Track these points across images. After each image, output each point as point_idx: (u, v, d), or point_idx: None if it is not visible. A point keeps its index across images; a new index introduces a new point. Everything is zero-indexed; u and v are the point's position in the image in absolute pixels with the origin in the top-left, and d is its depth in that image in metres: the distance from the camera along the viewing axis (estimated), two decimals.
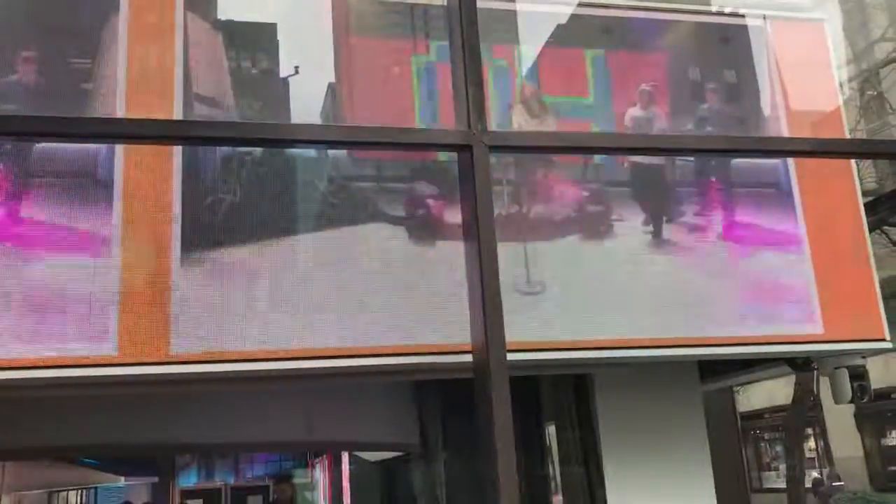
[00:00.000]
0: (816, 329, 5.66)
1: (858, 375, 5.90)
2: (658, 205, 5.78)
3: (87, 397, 5.39)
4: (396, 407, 8.15)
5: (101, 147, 4.77)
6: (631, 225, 5.64)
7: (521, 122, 5.91)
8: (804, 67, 6.40)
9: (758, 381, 13.56)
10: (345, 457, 14.23)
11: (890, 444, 21.43)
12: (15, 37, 5.09)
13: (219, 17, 5.54)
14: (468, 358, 3.42)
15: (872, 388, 6.01)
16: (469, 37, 3.80)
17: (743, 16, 6.55)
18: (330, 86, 5.68)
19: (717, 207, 5.86)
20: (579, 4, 6.26)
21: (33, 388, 4.60)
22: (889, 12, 17.91)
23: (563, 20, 6.28)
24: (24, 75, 5.02)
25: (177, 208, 4.81)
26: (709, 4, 6.80)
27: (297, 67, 5.56)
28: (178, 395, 5.99)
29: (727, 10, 6.66)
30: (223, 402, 6.57)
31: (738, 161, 6.00)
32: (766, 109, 6.32)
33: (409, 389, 8.09)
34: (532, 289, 5.33)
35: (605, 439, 6.30)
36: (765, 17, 6.48)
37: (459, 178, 3.77)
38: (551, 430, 7.16)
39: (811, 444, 23.17)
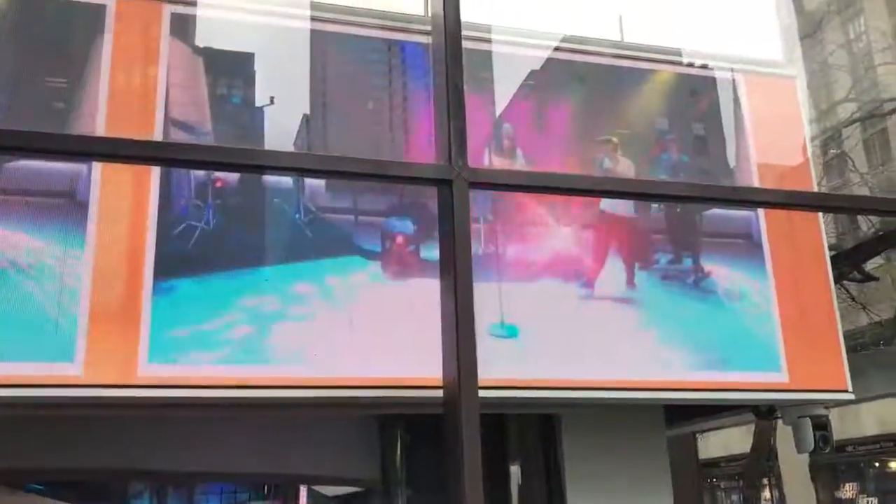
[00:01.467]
0: (781, 378, 5.73)
1: (821, 425, 5.97)
2: (631, 252, 5.86)
3: (35, 417, 5.25)
4: (358, 441, 8.06)
5: (79, 168, 4.73)
6: (604, 270, 5.70)
7: (494, 161, 5.98)
8: (776, 122, 6.56)
9: (721, 427, 13.65)
10: (303, 490, 13.99)
11: (843, 496, 21.58)
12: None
13: (197, 43, 5.56)
14: (435, 393, 3.40)
15: None
16: (453, 75, 3.85)
17: (712, 68, 6.71)
18: (305, 117, 5.71)
19: (688, 256, 5.96)
20: (555, 49, 6.37)
21: None
22: (852, 73, 18.47)
23: (537, 66, 6.39)
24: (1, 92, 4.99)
25: (151, 233, 4.77)
26: (679, 56, 6.95)
27: (272, 98, 5.58)
28: (134, 420, 5.87)
29: (698, 63, 6.82)
30: (181, 429, 6.43)
31: (712, 212, 6.11)
32: (737, 161, 6.45)
33: (372, 424, 8.01)
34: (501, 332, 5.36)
35: (571, 481, 6.28)
36: (732, 71, 6.64)
37: (439, 213, 3.78)
38: (516, 470, 7.12)
39: (766, 493, 23.24)
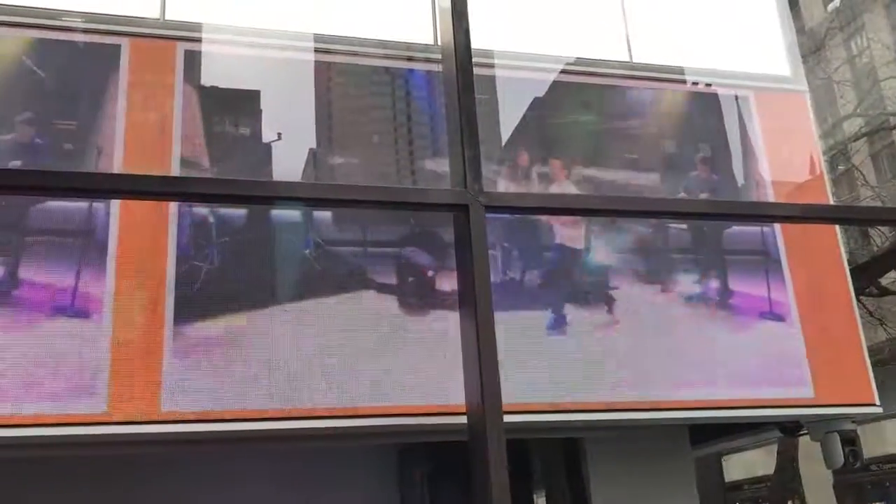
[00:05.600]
0: (807, 393, 5.67)
1: (849, 440, 5.89)
2: (655, 272, 5.85)
3: (55, 458, 5.24)
4: (376, 472, 8.00)
5: (97, 208, 4.77)
6: (627, 292, 5.69)
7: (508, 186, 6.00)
8: (788, 137, 6.56)
9: (744, 449, 13.47)
10: None
11: None
12: (15, 98, 5.12)
13: (205, 82, 5.62)
14: (458, 419, 3.37)
15: None
16: (466, 101, 3.87)
17: (718, 87, 6.72)
18: (311, 151, 5.75)
19: (710, 274, 5.93)
20: (562, 72, 6.40)
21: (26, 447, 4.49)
22: (857, 88, 18.50)
23: (543, 89, 6.43)
24: (21, 136, 5.04)
25: (170, 273, 4.80)
26: (683, 74, 6.97)
27: (279, 134, 5.63)
28: (154, 459, 5.84)
29: (705, 82, 6.84)
30: (194, 464, 6.40)
31: (732, 230, 6.10)
32: (749, 178, 6.44)
33: (390, 454, 7.95)
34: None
35: None
36: (740, 88, 6.65)
37: (455, 239, 3.77)
38: (541, 495, 7.04)
39: None
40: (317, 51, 5.93)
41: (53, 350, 4.47)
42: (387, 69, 6.11)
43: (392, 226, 5.59)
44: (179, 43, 5.42)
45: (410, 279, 5.43)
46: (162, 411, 4.48)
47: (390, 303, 5.26)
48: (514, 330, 5.37)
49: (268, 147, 5.59)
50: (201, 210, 5.05)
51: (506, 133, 6.29)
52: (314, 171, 5.66)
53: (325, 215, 5.42)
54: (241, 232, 5.21)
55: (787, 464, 13.17)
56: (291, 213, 5.31)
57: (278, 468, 6.83)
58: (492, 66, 6.30)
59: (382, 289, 5.29)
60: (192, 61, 5.53)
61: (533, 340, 5.41)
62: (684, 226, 6.00)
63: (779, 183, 6.40)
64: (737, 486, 24.20)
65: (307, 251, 5.30)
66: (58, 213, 4.81)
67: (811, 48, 15.76)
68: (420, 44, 6.18)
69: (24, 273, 4.63)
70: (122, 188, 3.93)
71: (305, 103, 5.77)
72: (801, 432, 6.42)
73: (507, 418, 3.32)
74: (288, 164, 5.58)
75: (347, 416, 4.83)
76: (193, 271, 4.93)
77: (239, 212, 5.20)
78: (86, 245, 4.77)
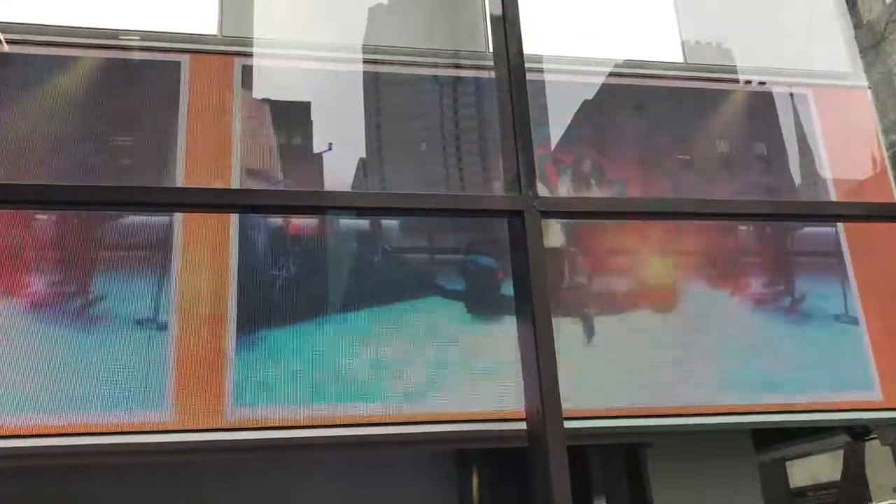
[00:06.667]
0: (875, 396, 5.53)
1: None
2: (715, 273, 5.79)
3: (120, 466, 5.36)
4: (435, 482, 8.00)
5: (164, 220, 4.90)
6: (694, 294, 5.64)
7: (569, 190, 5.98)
8: (851, 134, 6.41)
9: (809, 454, 13.12)
10: None
11: None
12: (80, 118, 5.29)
13: (257, 95, 5.73)
14: (519, 425, 3.36)
15: None
16: (519, 106, 3.88)
17: (776, 85, 6.61)
18: (361, 160, 5.82)
19: (774, 275, 5.84)
20: (611, 74, 6.36)
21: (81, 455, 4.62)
22: None
23: (590, 96, 6.40)
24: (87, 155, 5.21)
25: (233, 282, 4.89)
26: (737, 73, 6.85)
27: (330, 144, 5.71)
28: (217, 467, 5.94)
29: (763, 80, 6.72)
30: (256, 473, 6.50)
31: (796, 230, 6.00)
32: (810, 177, 6.32)
33: (449, 463, 7.96)
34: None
35: None
36: (800, 86, 6.52)
37: (511, 244, 3.78)
38: (602, 502, 6.96)
39: None
40: (365, 62, 6.00)
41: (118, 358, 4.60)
42: (436, 77, 6.16)
43: (459, 233, 5.63)
44: (237, 58, 5.54)
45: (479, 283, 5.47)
46: (226, 420, 4.57)
47: (457, 308, 5.29)
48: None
49: (319, 157, 5.68)
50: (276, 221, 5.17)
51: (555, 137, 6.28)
52: (364, 179, 5.72)
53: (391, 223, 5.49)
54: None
55: (855, 469, 12.78)
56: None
57: (332, 473, 6.89)
58: (541, 70, 6.29)
59: (449, 294, 5.33)
60: (248, 75, 5.65)
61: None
62: (751, 227, 5.93)
63: (840, 181, 6.26)
64: (801, 492, 23.56)
65: (376, 258, 5.38)
66: (126, 223, 4.96)
67: (871, 42, 15.35)
68: (467, 51, 6.21)
69: (93, 286, 4.77)
70: (177, 201, 4.04)
71: (354, 114, 5.84)
72: (870, 437, 6.25)
73: (568, 424, 3.31)
74: (339, 175, 5.66)
75: (412, 423, 4.86)
76: (263, 279, 5.03)
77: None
78: (152, 256, 4.90)
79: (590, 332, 5.40)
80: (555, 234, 5.71)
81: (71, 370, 4.54)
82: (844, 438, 6.56)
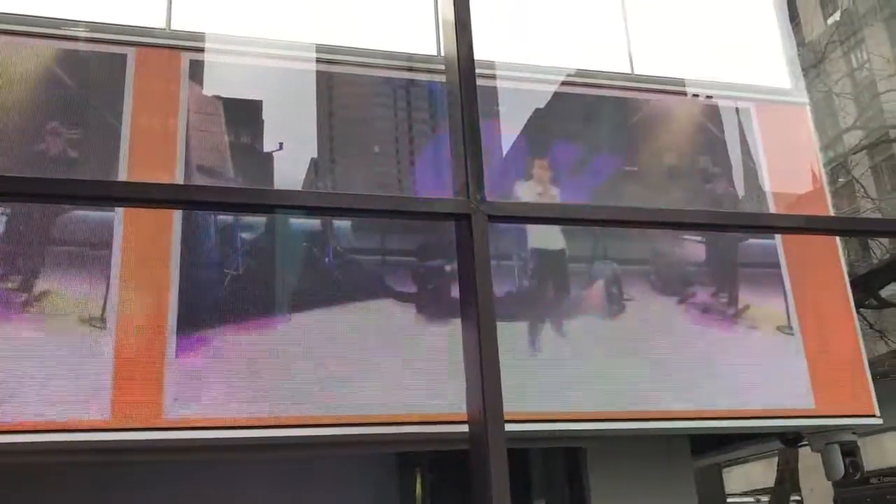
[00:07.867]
0: (808, 404, 5.68)
1: (850, 452, 5.89)
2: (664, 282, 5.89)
3: (56, 465, 5.24)
4: (378, 485, 7.98)
5: (102, 216, 4.80)
6: (637, 303, 5.72)
7: (528, 196, 6.03)
8: (789, 148, 6.59)
9: (747, 458, 13.42)
10: None
11: None
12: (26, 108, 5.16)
13: (207, 92, 5.66)
14: (462, 428, 3.38)
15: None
16: (469, 112, 3.90)
17: (718, 98, 6.75)
18: (312, 160, 5.78)
19: (713, 285, 5.96)
20: (563, 83, 6.44)
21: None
22: (857, 102, 18.57)
23: (544, 101, 6.47)
24: (51, 146, 5.08)
25: (175, 281, 4.82)
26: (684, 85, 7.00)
27: (281, 143, 5.66)
28: (147, 466, 5.83)
29: (705, 94, 6.86)
30: (197, 475, 6.40)
31: (732, 241, 6.13)
32: (751, 190, 6.47)
33: (392, 466, 7.94)
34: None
35: None
36: (741, 100, 6.67)
37: (457, 248, 3.80)
38: None
39: None
40: (319, 61, 5.97)
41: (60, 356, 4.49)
42: (388, 80, 6.15)
43: (410, 234, 5.63)
44: (184, 52, 5.46)
45: (429, 287, 5.46)
46: (165, 418, 4.50)
47: (406, 311, 5.28)
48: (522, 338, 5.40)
49: (270, 157, 5.63)
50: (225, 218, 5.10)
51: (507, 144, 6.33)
52: (316, 180, 5.69)
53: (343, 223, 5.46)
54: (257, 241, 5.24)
55: (788, 475, 13.14)
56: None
57: (275, 475, 6.83)
58: (494, 77, 6.34)
59: (399, 297, 5.31)
60: (197, 71, 5.57)
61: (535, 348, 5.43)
62: (697, 237, 6.05)
63: (780, 195, 6.42)
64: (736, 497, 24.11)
65: (326, 260, 5.34)
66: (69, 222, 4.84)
67: (812, 61, 15.82)
68: (421, 55, 6.22)
69: (36, 282, 4.65)
70: (127, 196, 3.96)
71: (307, 114, 5.81)
72: (802, 443, 6.42)
73: (509, 427, 3.33)
74: (289, 174, 5.61)
75: (351, 424, 4.84)
76: (206, 278, 4.96)
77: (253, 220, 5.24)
78: (92, 253, 4.79)
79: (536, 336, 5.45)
80: (555, 235, 5.81)
81: (6, 367, 4.42)
82: (778, 445, 6.73)
